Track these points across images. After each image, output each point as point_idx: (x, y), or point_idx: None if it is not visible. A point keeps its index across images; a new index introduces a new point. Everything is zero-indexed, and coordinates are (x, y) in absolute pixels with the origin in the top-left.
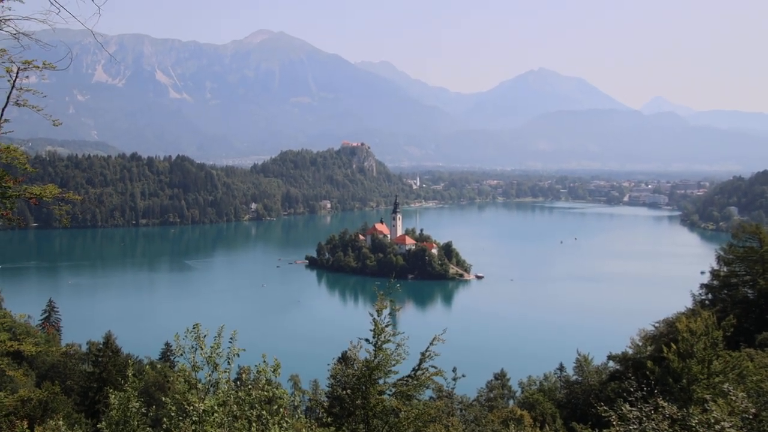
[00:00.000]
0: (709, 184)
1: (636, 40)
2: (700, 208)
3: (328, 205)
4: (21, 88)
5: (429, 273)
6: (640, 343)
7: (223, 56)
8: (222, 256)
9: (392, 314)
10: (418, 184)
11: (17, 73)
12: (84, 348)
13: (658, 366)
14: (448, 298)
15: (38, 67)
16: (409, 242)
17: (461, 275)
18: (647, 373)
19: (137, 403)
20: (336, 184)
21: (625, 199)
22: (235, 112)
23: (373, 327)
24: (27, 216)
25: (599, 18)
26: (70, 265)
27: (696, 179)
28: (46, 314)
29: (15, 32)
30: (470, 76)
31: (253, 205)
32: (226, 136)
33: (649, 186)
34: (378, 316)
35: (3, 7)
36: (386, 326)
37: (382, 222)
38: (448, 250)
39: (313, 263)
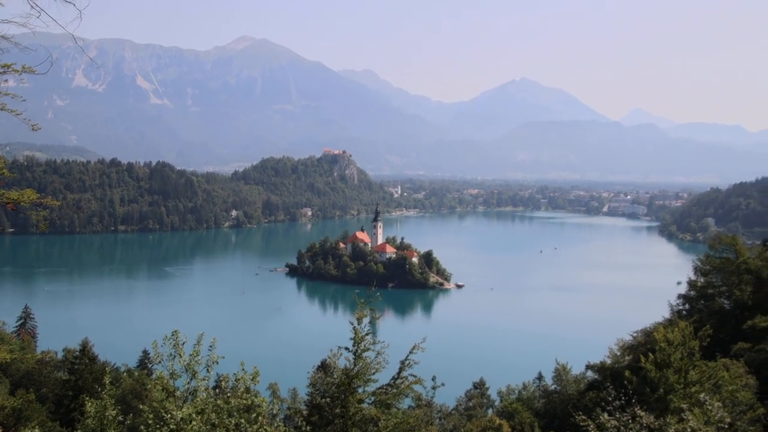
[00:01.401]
0: (687, 196)
1: (617, 52)
2: (678, 219)
3: (309, 213)
4: None
5: (409, 281)
6: (618, 353)
7: (205, 62)
8: (201, 264)
9: (372, 323)
10: (399, 192)
11: None
12: (60, 355)
13: (636, 376)
14: (428, 307)
15: (17, 71)
16: (390, 250)
17: (441, 284)
18: (625, 382)
19: (114, 411)
20: (317, 192)
21: (605, 209)
22: (216, 119)
23: (353, 335)
24: (3, 221)
25: (581, 29)
26: (46, 272)
27: (674, 190)
28: (22, 321)
29: None
30: (452, 86)
31: (234, 213)
32: (207, 143)
33: (628, 197)
34: (358, 325)
35: None
36: (366, 335)
37: (362, 230)
38: (428, 259)
39: (293, 271)
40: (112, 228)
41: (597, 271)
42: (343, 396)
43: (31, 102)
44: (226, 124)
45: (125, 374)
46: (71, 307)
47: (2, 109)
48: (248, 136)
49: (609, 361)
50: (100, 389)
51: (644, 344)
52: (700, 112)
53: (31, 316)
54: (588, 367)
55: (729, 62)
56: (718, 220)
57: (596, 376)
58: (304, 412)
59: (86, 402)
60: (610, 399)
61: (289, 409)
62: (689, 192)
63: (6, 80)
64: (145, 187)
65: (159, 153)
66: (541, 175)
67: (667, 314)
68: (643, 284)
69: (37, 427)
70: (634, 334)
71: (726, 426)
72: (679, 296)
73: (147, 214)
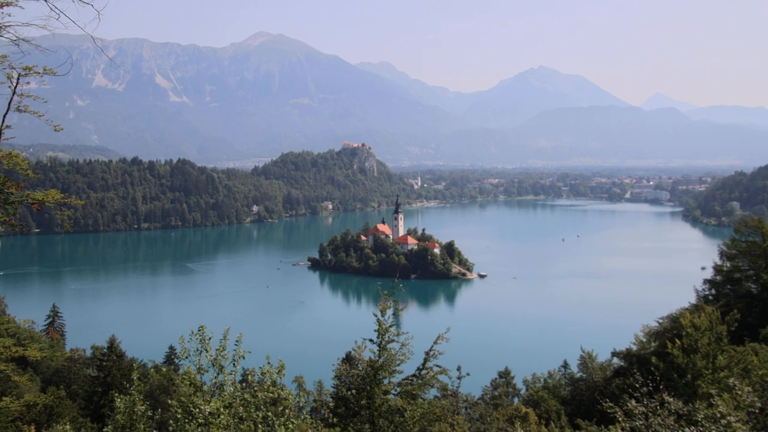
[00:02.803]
0: (711, 180)
1: (636, 37)
2: (702, 203)
3: (330, 206)
4: (22, 94)
5: (431, 272)
6: (644, 340)
7: (223, 59)
8: (224, 259)
9: (396, 314)
10: (419, 183)
11: (18, 79)
12: (88, 352)
13: (663, 362)
14: (451, 298)
15: (39, 73)
16: (411, 242)
17: (464, 274)
18: (652, 368)
19: (143, 406)
20: (337, 185)
21: (627, 195)
22: (235, 115)
23: (377, 327)
24: (29, 222)
25: (599, 15)
26: (72, 270)
27: (697, 175)
28: (50, 319)
29: (15, 38)
30: (470, 76)
31: (255, 208)
32: (227, 139)
33: (651, 182)
34: (382, 316)
35: (3, 13)
36: (390, 326)
37: (383, 222)
38: (450, 250)
39: (315, 264)
40: (135, 226)
41: (620, 258)
42: (368, 387)
43: (52, 103)
44: (245, 119)
45: (153, 370)
46: (98, 305)
47: (25, 111)
48: (267, 131)
49: (635, 348)
50: (128, 385)
51: (670, 330)
52: (722, 96)
53: (59, 314)
54: (614, 354)
55: (750, 44)
56: (743, 203)
57: (622, 363)
58: (331, 405)
59: (116, 398)
60: (637, 385)
61: (315, 401)
62: (713, 176)
63: (28, 82)
64: (166, 185)
65: (179, 150)
66: (562, 163)
67: (693, 299)
68: (668, 270)
69: (68, 423)
70: (660, 320)
71: (756, 411)
72: (705, 281)
73: (169, 211)
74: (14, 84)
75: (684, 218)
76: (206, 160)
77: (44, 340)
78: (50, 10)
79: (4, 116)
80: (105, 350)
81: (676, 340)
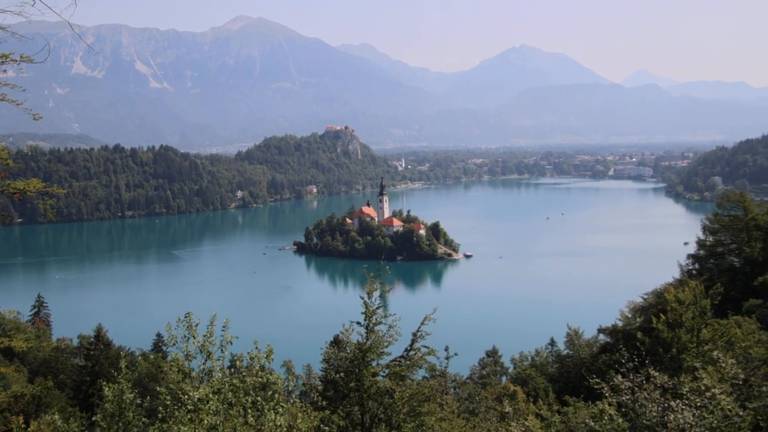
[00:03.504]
0: (693, 155)
1: (617, 14)
2: (685, 179)
3: (314, 190)
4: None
5: (417, 254)
6: (630, 315)
7: (203, 44)
8: (210, 245)
9: (382, 296)
10: (403, 165)
11: None
12: (75, 342)
13: (648, 337)
14: (437, 278)
15: (15, 61)
16: (397, 224)
17: (450, 255)
18: (637, 344)
19: (132, 394)
20: (321, 169)
21: (610, 172)
22: (217, 100)
23: (364, 309)
24: (11, 212)
25: None
26: (57, 260)
27: (679, 150)
28: (36, 310)
29: None
30: (451, 56)
31: (239, 193)
32: (209, 125)
33: (634, 159)
34: (368, 299)
35: None
36: (377, 308)
37: (368, 205)
38: (435, 230)
39: (301, 249)
40: (119, 214)
41: (605, 235)
42: (357, 370)
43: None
44: (227, 104)
45: (140, 358)
46: (83, 294)
47: (2, 100)
48: (250, 116)
49: (621, 324)
50: (116, 373)
51: (655, 305)
52: (703, 71)
53: (44, 304)
54: (600, 330)
55: (730, 18)
56: (725, 178)
57: (608, 339)
58: (320, 388)
59: (104, 386)
60: (623, 361)
61: (304, 385)
62: (695, 151)
63: (5, 71)
64: (149, 172)
65: (162, 137)
66: (545, 141)
67: (677, 275)
68: (652, 246)
69: (57, 413)
70: (645, 296)
71: (740, 382)
72: (689, 256)
73: (153, 199)
74: None
75: (667, 194)
76: (189, 146)
77: (30, 331)
78: None
79: None
80: (92, 339)
81: (661, 315)
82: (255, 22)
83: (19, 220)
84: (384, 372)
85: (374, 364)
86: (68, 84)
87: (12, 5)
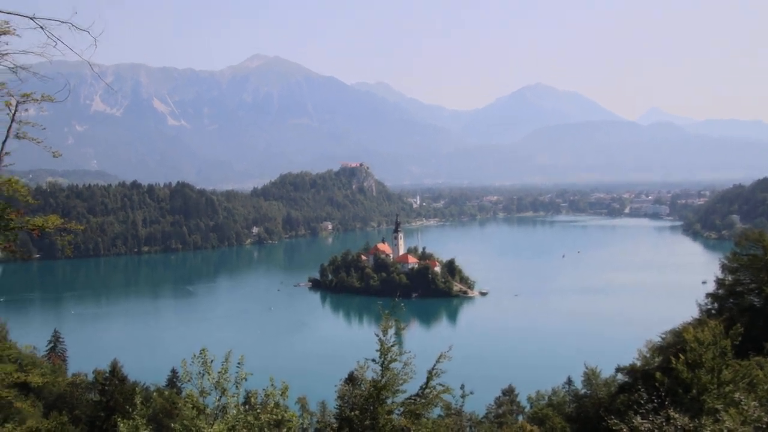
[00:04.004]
0: (710, 193)
1: (631, 53)
2: (702, 217)
3: (330, 227)
4: (21, 121)
5: (433, 291)
6: (648, 355)
7: (220, 82)
8: (225, 281)
9: (398, 333)
10: (418, 202)
11: (16, 106)
12: (90, 377)
13: (667, 377)
14: (453, 315)
15: (37, 100)
16: (412, 261)
17: (465, 292)
18: (656, 384)
19: (146, 431)
20: (336, 205)
21: (626, 210)
22: (234, 137)
23: (379, 347)
24: (29, 247)
25: (595, 32)
26: (73, 295)
27: (696, 188)
28: (52, 345)
29: (13, 66)
30: (467, 94)
31: (255, 229)
32: (226, 161)
33: (650, 197)
34: (384, 336)
35: (0, 42)
36: (392, 345)
37: (384, 241)
38: (451, 268)
39: (316, 285)
40: (136, 249)
41: (621, 273)
42: (372, 408)
43: (51, 129)
44: (244, 141)
45: (155, 393)
46: (99, 329)
47: (24, 138)
48: (266, 152)
49: (639, 363)
50: (131, 409)
51: (674, 345)
52: (718, 109)
53: (60, 339)
54: (618, 369)
55: (744, 57)
56: (744, 216)
57: (627, 379)
58: (334, 426)
59: (119, 422)
60: (642, 401)
61: (318, 422)
62: (712, 189)
63: (27, 109)
64: (166, 208)
65: (179, 173)
66: (561, 179)
67: (695, 314)
68: (670, 284)
69: None
70: (663, 335)
71: (763, 426)
72: (708, 295)
73: (169, 234)
74: (13, 111)
75: (684, 232)
76: (206, 182)
77: (46, 366)
78: (47, 38)
79: (4, 143)
80: (107, 374)
81: (680, 354)
82: (271, 61)
83: (38, 255)
84: (399, 410)
85: (389, 401)
86: (87, 122)
87: (34, 46)
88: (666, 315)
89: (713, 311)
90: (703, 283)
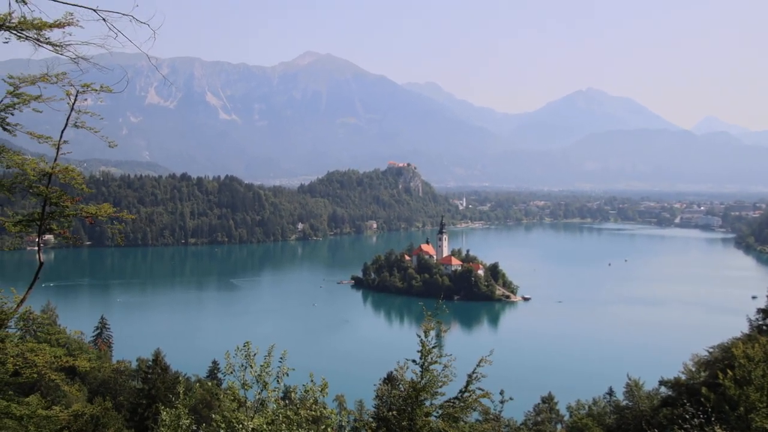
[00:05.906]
0: (766, 206)
1: (686, 60)
2: (756, 230)
3: (374, 225)
4: (79, 111)
5: (475, 294)
6: (694, 369)
7: (272, 78)
8: (269, 276)
9: (439, 335)
10: (464, 204)
11: (76, 96)
12: (134, 365)
13: (714, 393)
14: (494, 320)
15: (96, 90)
16: (455, 263)
17: (508, 297)
18: (702, 399)
19: (187, 420)
20: (382, 205)
21: (677, 220)
22: (283, 133)
23: (419, 348)
24: (81, 235)
25: (648, 38)
26: (120, 283)
27: (751, 201)
28: (98, 331)
29: (74, 57)
30: (517, 97)
31: (300, 225)
32: (274, 157)
33: (702, 207)
34: (425, 337)
35: (64, 32)
36: (433, 347)
37: (428, 242)
38: (494, 272)
39: (358, 283)
40: (183, 241)
41: (669, 284)
42: (410, 409)
43: (107, 120)
44: (292, 138)
45: (196, 384)
46: (144, 318)
47: (81, 127)
48: (314, 150)
49: (684, 377)
50: (174, 398)
51: (721, 360)
52: None
53: (106, 326)
54: (662, 383)
55: None
56: None
57: (670, 393)
58: (372, 425)
59: (161, 410)
60: (687, 417)
61: (356, 421)
62: (767, 202)
63: (86, 99)
64: (214, 201)
65: (227, 167)
66: (610, 186)
67: (745, 329)
68: (719, 298)
69: None
70: (710, 350)
71: None
72: (759, 310)
73: (216, 227)
74: (72, 101)
75: (736, 245)
76: (253, 177)
77: (92, 351)
78: (109, 30)
79: (62, 132)
80: (150, 363)
81: (728, 370)
82: (323, 59)
83: (88, 242)
84: (437, 413)
85: (428, 403)
86: (142, 113)
87: (96, 38)
88: (713, 329)
89: (764, 327)
90: (754, 298)
